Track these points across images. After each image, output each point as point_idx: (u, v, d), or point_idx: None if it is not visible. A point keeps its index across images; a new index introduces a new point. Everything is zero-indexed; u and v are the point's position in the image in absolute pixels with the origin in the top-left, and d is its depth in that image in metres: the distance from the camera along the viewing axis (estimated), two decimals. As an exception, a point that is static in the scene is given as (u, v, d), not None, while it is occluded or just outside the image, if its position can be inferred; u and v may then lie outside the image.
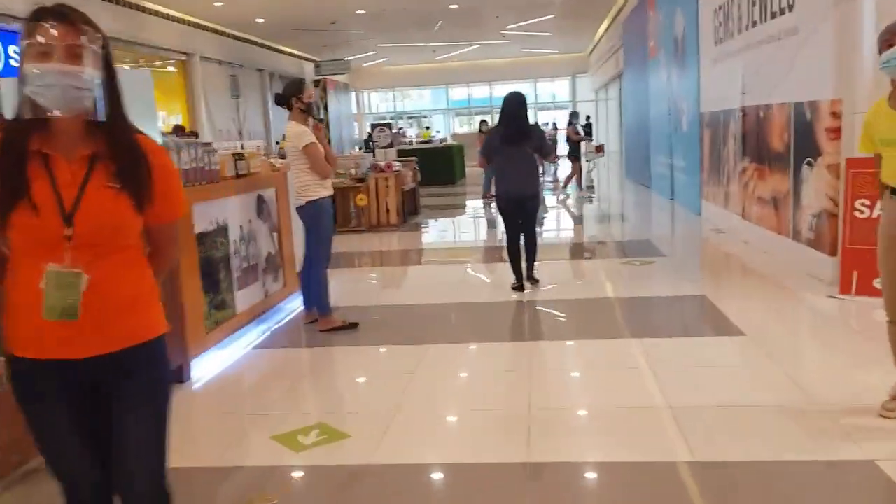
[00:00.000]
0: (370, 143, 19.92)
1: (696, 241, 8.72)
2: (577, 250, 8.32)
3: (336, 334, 5.10)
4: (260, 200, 5.47)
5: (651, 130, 13.66)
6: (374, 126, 20.29)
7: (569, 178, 14.90)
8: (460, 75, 28.79)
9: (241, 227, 5.07)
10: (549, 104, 31.09)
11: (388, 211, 10.48)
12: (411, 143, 20.32)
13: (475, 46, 24.53)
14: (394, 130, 19.92)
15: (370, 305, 6.02)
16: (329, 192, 5.40)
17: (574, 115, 15.68)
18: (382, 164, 10.53)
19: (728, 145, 8.64)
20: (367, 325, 5.34)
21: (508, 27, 20.84)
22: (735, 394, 3.69)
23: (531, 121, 6.19)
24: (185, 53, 16.73)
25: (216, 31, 17.90)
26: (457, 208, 13.11)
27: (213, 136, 17.56)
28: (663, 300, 5.73)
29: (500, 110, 6.19)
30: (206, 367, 4.41)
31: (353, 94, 29.28)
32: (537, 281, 6.28)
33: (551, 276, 6.69)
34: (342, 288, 6.91)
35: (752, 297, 5.72)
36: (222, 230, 4.80)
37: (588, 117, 22.83)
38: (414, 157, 12.45)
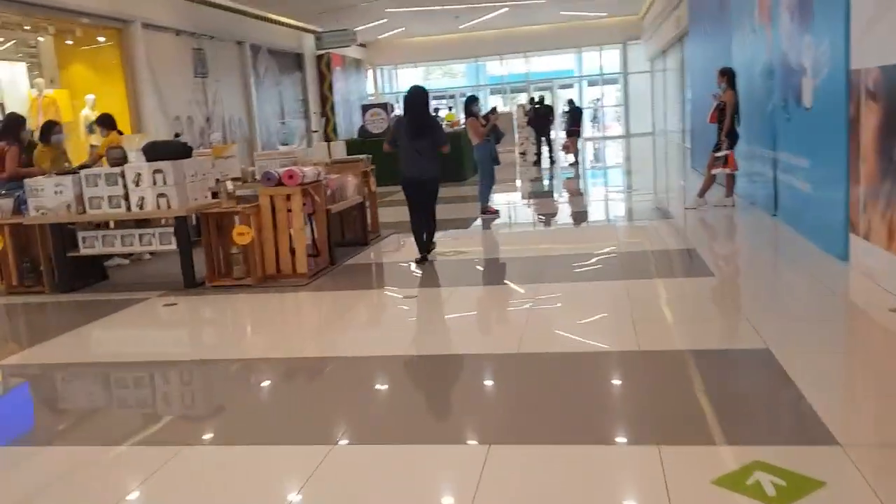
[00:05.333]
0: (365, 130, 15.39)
1: (885, 354, 3.78)
2: (593, 392, 3.53)
3: None
4: None
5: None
6: (365, 108, 15.72)
7: (729, 181, 8.22)
8: (492, 46, 23.68)
9: None
10: (597, 77, 25.68)
11: (292, 252, 5.91)
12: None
13: (504, 10, 19.46)
14: (392, 113, 15.30)
15: None
16: None
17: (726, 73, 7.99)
18: (279, 171, 5.89)
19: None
20: None
21: (541, -19, 15.81)
22: None
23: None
24: (120, 20, 12.43)
25: (165, -8, 13.54)
26: (445, 228, 7.93)
27: (166, 125, 13.34)
28: None
29: (403, 102, 6.67)
30: None
31: (370, 72, 24.60)
32: (430, 260, 6.37)
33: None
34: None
35: None
36: None
37: (571, 101, 17.26)
38: (364, 155, 7.72)
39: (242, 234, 5.65)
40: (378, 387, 3.62)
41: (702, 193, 8.33)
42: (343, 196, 6.86)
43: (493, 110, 9.39)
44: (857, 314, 4.38)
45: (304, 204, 5.97)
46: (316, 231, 6.32)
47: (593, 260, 6.21)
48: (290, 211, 5.84)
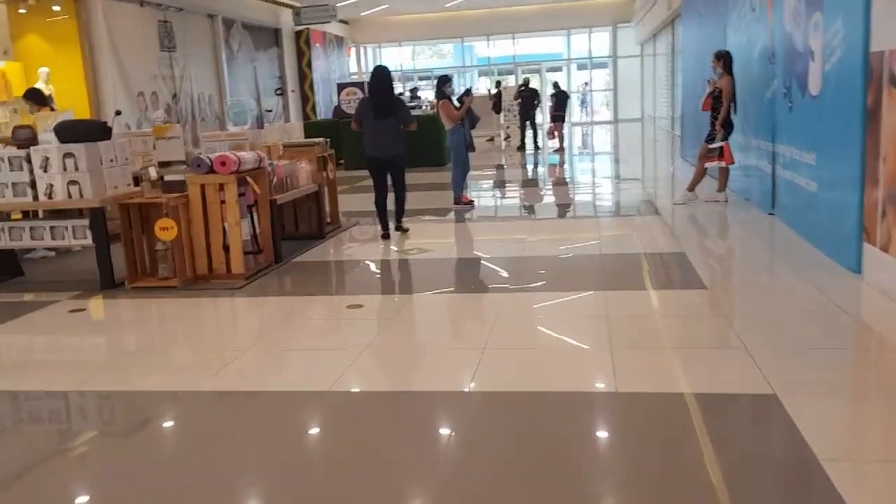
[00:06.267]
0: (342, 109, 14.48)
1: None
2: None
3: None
4: None
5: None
6: (340, 87, 14.81)
7: (723, 175, 7.44)
8: (479, 26, 22.73)
9: None
10: (586, 60, 24.77)
11: (226, 249, 5.11)
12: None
13: (492, -12, 18.55)
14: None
15: None
16: None
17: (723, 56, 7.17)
18: (210, 156, 5.06)
19: None
20: None
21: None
22: None
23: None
24: (75, -12, 11.45)
25: (126, -42, 12.51)
26: (418, 216, 7.31)
27: (128, 101, 12.39)
28: None
29: (368, 81, 6.88)
30: None
31: (354, 50, 23.56)
32: (406, 230, 6.57)
33: None
34: None
35: None
36: None
37: (556, 84, 16.27)
38: (320, 139, 6.88)
39: (166, 230, 4.84)
40: (267, 446, 2.77)
41: (692, 187, 7.58)
42: (294, 184, 6.05)
43: (468, 92, 8.50)
44: (878, 344, 3.66)
45: (241, 194, 5.16)
46: (258, 224, 5.52)
47: (571, 264, 5.44)
48: (223, 202, 5.03)
